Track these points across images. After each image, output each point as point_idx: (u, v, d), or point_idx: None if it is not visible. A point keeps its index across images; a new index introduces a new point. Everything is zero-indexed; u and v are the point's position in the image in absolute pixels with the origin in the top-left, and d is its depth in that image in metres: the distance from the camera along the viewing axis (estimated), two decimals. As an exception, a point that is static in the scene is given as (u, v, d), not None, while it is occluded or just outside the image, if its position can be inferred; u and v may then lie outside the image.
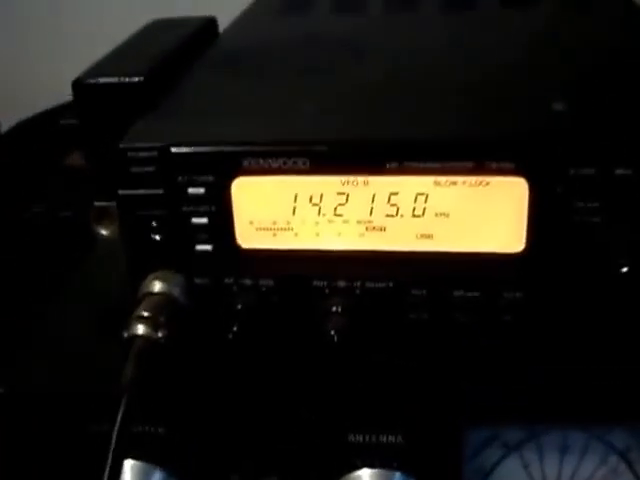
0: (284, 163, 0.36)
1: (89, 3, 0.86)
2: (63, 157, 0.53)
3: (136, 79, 0.40)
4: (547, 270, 0.36)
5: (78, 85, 0.40)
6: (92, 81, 0.40)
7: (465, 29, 0.52)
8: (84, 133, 0.40)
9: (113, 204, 0.40)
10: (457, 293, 0.37)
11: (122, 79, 0.40)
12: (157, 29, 0.49)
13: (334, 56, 0.47)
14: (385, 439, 0.38)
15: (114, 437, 0.33)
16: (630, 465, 0.39)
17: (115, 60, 0.44)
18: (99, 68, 0.42)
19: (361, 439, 0.38)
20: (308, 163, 0.36)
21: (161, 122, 0.39)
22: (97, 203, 0.41)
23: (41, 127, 0.59)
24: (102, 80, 0.40)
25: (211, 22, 0.53)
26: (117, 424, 0.33)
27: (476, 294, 0.37)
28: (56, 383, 0.40)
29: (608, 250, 0.36)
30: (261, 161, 0.36)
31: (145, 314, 0.37)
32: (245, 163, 0.36)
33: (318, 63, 0.46)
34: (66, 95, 0.41)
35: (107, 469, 0.33)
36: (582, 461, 0.39)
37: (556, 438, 0.38)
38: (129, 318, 0.37)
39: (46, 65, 0.84)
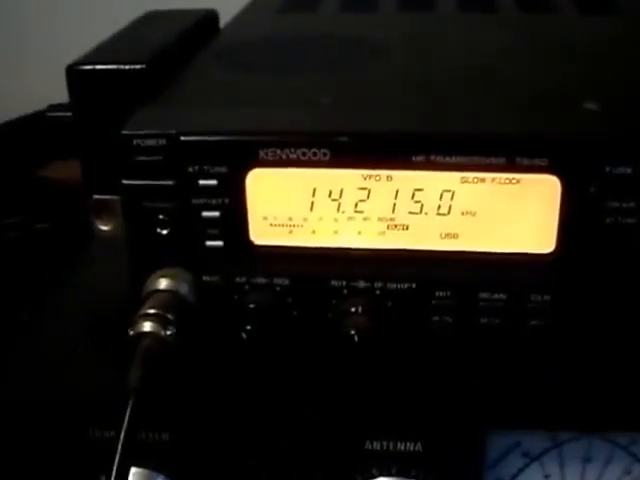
0: (303, 154, 0.34)
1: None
2: (38, 168, 0.50)
3: (137, 66, 0.37)
4: (577, 273, 0.35)
5: (73, 71, 0.37)
6: (89, 67, 0.37)
7: (488, 29, 0.50)
8: (78, 123, 0.38)
9: (114, 197, 0.37)
10: (483, 295, 0.35)
11: (122, 66, 0.37)
12: (156, 19, 0.46)
13: (349, 52, 0.45)
14: (403, 447, 0.36)
15: (121, 440, 0.31)
16: (653, 475, 0.38)
17: (113, 47, 0.41)
18: (96, 54, 0.39)
19: (378, 446, 0.36)
20: (329, 155, 0.34)
21: (168, 109, 0.36)
22: (96, 196, 0.38)
23: (13, 136, 0.56)
24: (100, 66, 0.37)
25: (212, 15, 0.50)
26: (125, 425, 0.31)
27: (503, 297, 0.35)
28: (53, 390, 0.37)
29: (642, 253, 0.34)
30: (278, 152, 0.34)
31: (152, 311, 0.34)
32: (261, 154, 0.34)
33: (333, 58, 0.44)
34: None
35: (113, 475, 0.31)
36: (605, 472, 0.37)
37: (579, 448, 0.37)
38: (134, 316, 0.34)
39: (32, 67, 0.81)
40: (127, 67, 0.37)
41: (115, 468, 0.31)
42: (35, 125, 0.44)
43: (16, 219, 0.55)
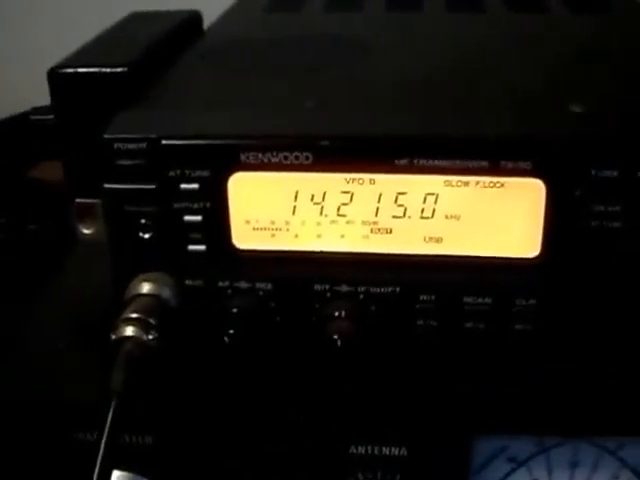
0: (285, 158, 0.34)
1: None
2: (28, 169, 0.50)
3: (119, 69, 0.37)
4: (563, 277, 0.34)
5: (55, 75, 0.37)
6: (71, 70, 0.37)
7: (475, 30, 0.49)
8: (61, 126, 0.37)
9: (96, 201, 0.37)
10: (467, 300, 0.35)
11: (104, 69, 0.37)
12: (139, 21, 0.46)
13: (334, 52, 0.45)
14: (388, 451, 0.36)
15: (102, 444, 0.31)
16: (641, 479, 0.37)
17: (96, 49, 0.41)
18: (79, 57, 0.39)
19: (363, 451, 0.36)
20: (311, 159, 0.34)
21: (150, 112, 0.36)
22: (79, 200, 0.38)
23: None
24: (82, 70, 0.37)
25: (196, 16, 0.50)
26: (106, 430, 0.31)
27: (487, 301, 0.35)
28: (38, 392, 0.37)
29: (628, 257, 0.34)
30: (260, 155, 0.34)
31: (134, 315, 0.34)
32: (243, 157, 0.34)
33: (317, 58, 0.43)
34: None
35: (95, 478, 0.31)
36: (593, 476, 0.37)
37: (566, 453, 0.36)
38: (116, 320, 0.34)
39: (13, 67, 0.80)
40: (109, 70, 0.37)
41: (97, 472, 0.31)
42: (21, 127, 0.44)
43: (4, 220, 0.54)
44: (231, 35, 0.49)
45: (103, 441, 0.31)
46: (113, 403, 0.32)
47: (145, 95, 0.38)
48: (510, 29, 0.50)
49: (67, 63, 0.37)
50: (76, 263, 0.46)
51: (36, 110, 0.39)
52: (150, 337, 0.34)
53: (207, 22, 0.52)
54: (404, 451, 0.36)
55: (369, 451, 0.36)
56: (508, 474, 0.37)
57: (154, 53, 0.41)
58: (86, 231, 0.38)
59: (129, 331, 0.33)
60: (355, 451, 0.36)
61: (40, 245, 0.50)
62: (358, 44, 0.46)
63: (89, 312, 0.42)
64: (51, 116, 0.37)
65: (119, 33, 0.44)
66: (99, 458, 0.30)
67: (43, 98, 0.39)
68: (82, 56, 0.39)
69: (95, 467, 0.31)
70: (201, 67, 0.43)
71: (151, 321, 0.34)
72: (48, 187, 0.50)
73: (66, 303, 0.43)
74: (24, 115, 0.42)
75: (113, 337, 0.34)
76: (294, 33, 0.49)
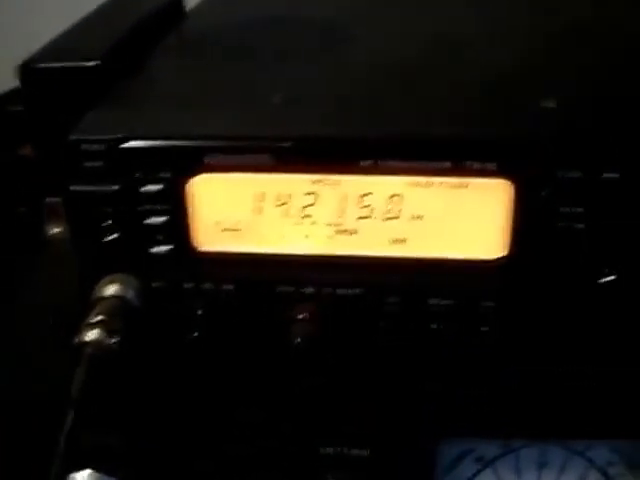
0: (249, 160, 0.33)
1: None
2: (16, 146, 0.50)
3: (92, 63, 0.37)
4: (528, 278, 0.34)
5: (26, 69, 0.36)
6: (42, 65, 0.37)
7: (446, 24, 0.48)
8: (32, 122, 0.37)
9: (65, 200, 0.37)
10: (432, 301, 0.34)
11: (76, 63, 0.37)
12: (117, 6, 0.45)
13: (305, 42, 0.44)
14: (357, 452, 0.36)
15: (60, 447, 0.31)
16: None
17: (68, 41, 0.40)
18: (50, 50, 0.38)
19: (331, 451, 0.36)
20: (274, 160, 0.33)
21: (116, 112, 0.36)
22: (49, 199, 0.38)
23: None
24: (53, 64, 0.37)
25: (176, 1, 0.49)
26: (64, 435, 0.31)
27: (452, 303, 0.34)
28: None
29: (592, 258, 0.33)
30: (224, 157, 0.33)
31: (97, 319, 0.34)
32: (206, 159, 0.33)
33: (288, 50, 0.43)
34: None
35: None
36: (560, 477, 0.37)
37: (534, 453, 0.36)
38: (80, 324, 0.34)
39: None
40: (82, 64, 0.37)
41: (53, 476, 0.31)
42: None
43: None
44: (208, 24, 0.49)
45: (60, 447, 0.31)
46: (71, 407, 0.32)
47: (115, 92, 0.37)
48: (479, 17, 0.48)
49: (39, 57, 0.37)
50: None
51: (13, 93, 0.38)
52: (113, 341, 0.34)
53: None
54: (370, 452, 0.36)
55: (337, 451, 0.36)
56: (475, 474, 0.37)
57: (131, 42, 0.40)
58: (56, 230, 0.38)
59: (91, 335, 0.33)
60: (324, 451, 0.36)
61: (30, 227, 0.49)
62: (329, 33, 0.45)
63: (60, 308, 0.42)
64: (19, 107, 0.37)
65: (95, 21, 0.43)
66: (56, 464, 0.30)
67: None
68: (54, 48, 0.38)
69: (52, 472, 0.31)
70: (174, 59, 0.43)
71: (114, 324, 0.34)
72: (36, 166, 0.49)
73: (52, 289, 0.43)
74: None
75: (76, 341, 0.34)
76: (271, 22, 0.48)
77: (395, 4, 0.52)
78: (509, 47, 0.43)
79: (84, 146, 0.34)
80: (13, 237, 0.46)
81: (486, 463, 0.37)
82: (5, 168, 0.50)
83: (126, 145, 0.34)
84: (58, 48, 0.39)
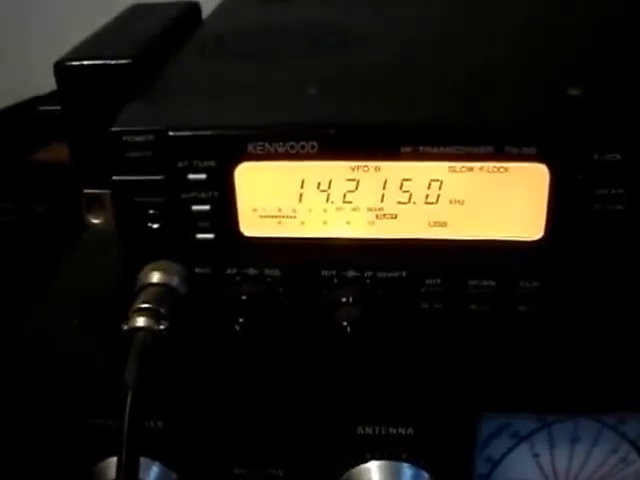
0: (291, 147, 0.34)
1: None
2: (32, 152, 0.50)
3: (124, 61, 0.37)
4: (566, 259, 0.35)
5: (61, 67, 0.37)
6: (76, 63, 0.37)
7: (470, 13, 0.49)
8: (68, 118, 0.37)
9: (105, 191, 0.37)
10: (472, 282, 0.35)
11: (109, 61, 0.37)
12: (139, 13, 0.46)
13: (332, 41, 0.44)
14: (395, 431, 0.37)
15: (125, 435, 0.32)
16: (640, 452, 0.39)
17: (99, 42, 0.41)
18: (83, 50, 0.39)
19: (370, 431, 0.37)
20: (317, 147, 0.34)
21: (156, 104, 0.36)
22: (87, 190, 0.38)
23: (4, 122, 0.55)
24: (87, 62, 0.37)
25: (194, 7, 0.50)
26: (126, 422, 0.32)
27: (492, 283, 0.35)
28: (52, 378, 0.38)
29: (630, 239, 0.34)
30: (267, 145, 0.34)
31: (145, 306, 0.35)
32: (250, 148, 0.34)
33: (317, 46, 0.43)
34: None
35: (122, 471, 0.31)
36: (593, 450, 0.38)
37: (567, 428, 0.38)
38: (128, 311, 0.35)
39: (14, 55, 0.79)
40: (114, 62, 0.37)
41: (124, 465, 0.31)
42: (26, 114, 0.44)
43: (11, 203, 0.55)
44: (229, 24, 0.49)
45: (125, 432, 0.31)
46: (129, 394, 0.32)
47: (150, 87, 0.38)
48: (507, 11, 0.50)
49: (73, 56, 0.38)
50: (87, 246, 0.46)
51: (40, 99, 0.39)
52: (161, 327, 0.34)
53: (205, 13, 0.52)
54: (410, 430, 0.37)
55: (376, 432, 0.37)
56: (511, 449, 0.38)
57: (156, 44, 0.41)
58: (95, 221, 0.39)
59: (140, 322, 0.34)
60: (362, 431, 0.37)
61: (48, 228, 0.50)
62: (356, 31, 0.46)
63: (99, 296, 0.43)
64: (57, 107, 0.37)
65: (121, 25, 0.44)
66: (124, 451, 0.31)
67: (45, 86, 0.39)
68: (87, 48, 0.39)
69: (121, 459, 0.32)
70: (202, 58, 0.43)
71: (162, 311, 0.35)
72: (57, 169, 0.50)
73: (77, 287, 0.44)
74: (28, 103, 0.42)
75: (125, 328, 0.34)
76: (292, 21, 0.49)
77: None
78: (534, 37, 0.43)
79: (126, 137, 0.34)
80: (52, 225, 0.47)
81: (521, 438, 0.38)
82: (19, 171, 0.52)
83: (170, 135, 0.34)
84: (90, 47, 0.40)
